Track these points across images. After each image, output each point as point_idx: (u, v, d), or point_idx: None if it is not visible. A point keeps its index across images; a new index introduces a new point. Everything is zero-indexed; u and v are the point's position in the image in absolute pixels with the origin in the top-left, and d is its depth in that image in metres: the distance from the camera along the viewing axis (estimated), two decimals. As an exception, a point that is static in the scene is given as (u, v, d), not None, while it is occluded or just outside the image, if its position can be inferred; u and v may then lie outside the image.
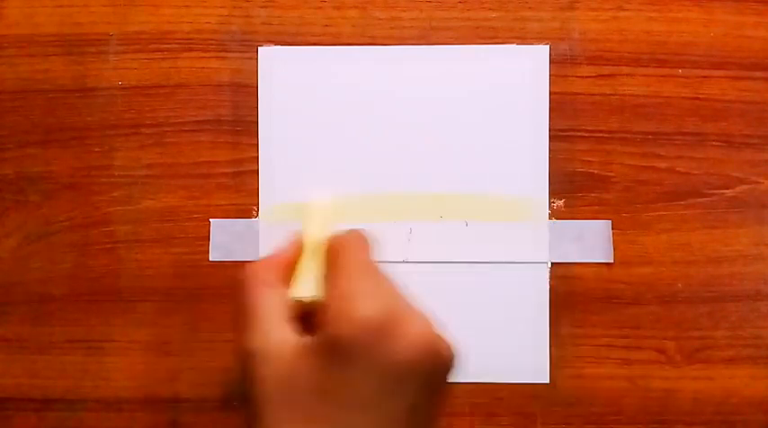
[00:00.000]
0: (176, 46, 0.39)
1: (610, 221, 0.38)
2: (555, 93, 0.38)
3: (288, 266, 0.30)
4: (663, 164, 0.38)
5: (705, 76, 0.38)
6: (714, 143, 0.38)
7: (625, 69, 0.38)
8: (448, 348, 0.27)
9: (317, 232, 0.32)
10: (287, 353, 0.26)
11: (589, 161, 0.38)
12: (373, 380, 0.25)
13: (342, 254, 0.28)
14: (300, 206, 0.38)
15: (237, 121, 0.39)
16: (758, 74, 0.38)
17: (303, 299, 0.29)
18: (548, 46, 0.38)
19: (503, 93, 0.38)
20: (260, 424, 0.26)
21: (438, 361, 0.26)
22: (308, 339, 0.26)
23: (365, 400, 0.25)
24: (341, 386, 0.25)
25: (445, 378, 0.27)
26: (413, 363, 0.25)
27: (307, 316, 0.28)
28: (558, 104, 0.38)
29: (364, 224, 0.38)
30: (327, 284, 0.28)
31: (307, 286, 0.30)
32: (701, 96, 0.38)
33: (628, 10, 0.38)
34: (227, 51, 0.39)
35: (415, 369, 0.25)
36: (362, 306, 0.25)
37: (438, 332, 0.27)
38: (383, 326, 0.25)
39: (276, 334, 0.27)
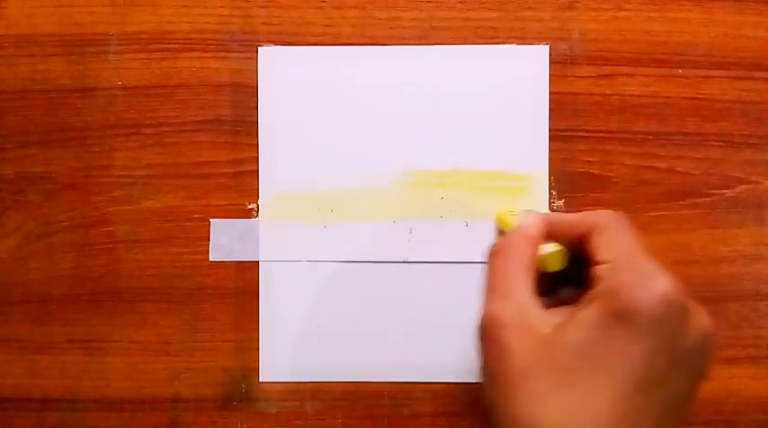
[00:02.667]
0: (176, 46, 0.39)
1: (610, 221, 0.38)
2: (555, 93, 0.38)
3: (536, 244, 0.29)
4: (663, 165, 0.38)
5: (705, 76, 0.38)
6: (714, 143, 0.38)
7: (625, 69, 0.38)
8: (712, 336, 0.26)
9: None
10: (540, 323, 0.26)
11: (589, 161, 0.38)
12: (657, 357, 0.24)
13: (611, 231, 0.27)
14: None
15: (237, 121, 0.39)
16: (758, 74, 0.38)
17: (552, 269, 0.29)
18: (548, 46, 0.38)
19: (503, 93, 0.38)
20: (517, 395, 0.25)
21: (711, 354, 0.26)
22: (583, 308, 0.25)
23: (646, 378, 0.24)
24: (623, 358, 0.24)
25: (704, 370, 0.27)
26: (694, 349, 0.25)
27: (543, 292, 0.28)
28: (558, 104, 0.38)
29: (364, 224, 0.38)
30: (602, 257, 0.27)
31: (556, 259, 0.29)
32: (700, 96, 0.38)
33: (628, 10, 0.38)
34: (227, 51, 0.39)
35: (698, 356, 0.25)
36: (662, 282, 0.25)
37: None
38: (680, 306, 0.25)
39: (531, 307, 0.26)
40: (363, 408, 0.38)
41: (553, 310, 0.27)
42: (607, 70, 0.38)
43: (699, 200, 0.38)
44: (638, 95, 0.38)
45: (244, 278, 0.38)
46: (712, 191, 0.38)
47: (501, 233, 0.32)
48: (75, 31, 0.39)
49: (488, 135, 0.38)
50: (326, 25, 0.39)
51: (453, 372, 0.38)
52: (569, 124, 0.38)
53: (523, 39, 0.38)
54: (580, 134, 0.38)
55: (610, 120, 0.38)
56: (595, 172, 0.38)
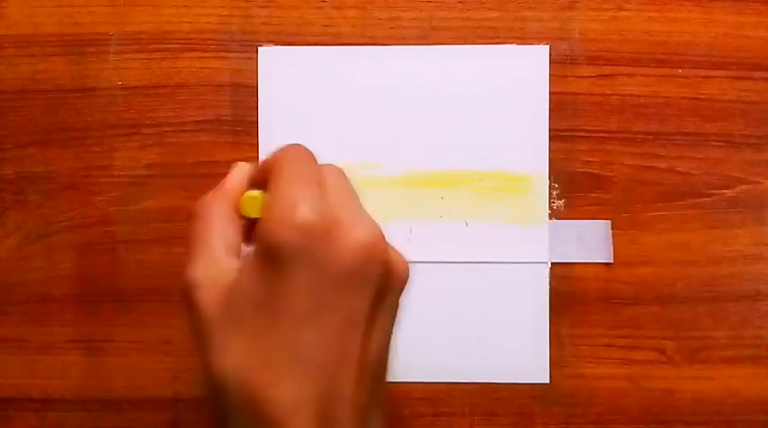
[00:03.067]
0: (176, 46, 0.39)
1: (609, 221, 0.38)
2: (555, 93, 0.38)
3: (234, 195, 0.29)
4: (663, 165, 0.38)
5: (705, 76, 0.38)
6: (714, 143, 0.38)
7: (625, 69, 0.38)
8: (399, 262, 0.26)
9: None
10: (230, 276, 0.25)
11: (589, 161, 0.38)
12: (311, 288, 0.24)
13: (281, 165, 0.27)
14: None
15: (237, 121, 0.39)
16: (758, 74, 0.38)
17: (250, 216, 0.28)
18: (548, 46, 0.38)
19: (503, 93, 0.38)
20: (207, 349, 0.25)
21: (383, 271, 0.25)
22: (247, 252, 0.25)
23: (305, 311, 0.24)
24: (280, 296, 0.24)
25: (394, 293, 0.26)
26: (352, 270, 0.24)
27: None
28: (558, 104, 0.38)
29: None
30: (268, 196, 0.26)
31: (253, 205, 0.28)
32: (700, 96, 0.38)
33: (628, 10, 0.38)
34: (227, 51, 0.39)
35: (355, 276, 0.24)
36: (300, 211, 0.24)
37: (388, 243, 0.25)
38: (323, 231, 0.24)
39: (222, 262, 0.26)
40: (363, 408, 0.38)
41: (246, 254, 0.27)
42: (607, 70, 0.38)
43: (699, 200, 0.38)
44: (638, 95, 0.38)
45: (244, 278, 0.38)
46: (712, 191, 0.38)
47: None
48: (75, 31, 0.39)
49: (488, 135, 0.38)
50: (326, 25, 0.39)
51: (453, 372, 0.38)
52: (569, 124, 0.38)
53: (523, 39, 0.38)
54: (580, 134, 0.38)
55: (610, 120, 0.38)
56: (595, 172, 0.38)
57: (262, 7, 0.39)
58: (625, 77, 0.38)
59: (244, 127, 0.39)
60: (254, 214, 0.28)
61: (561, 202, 0.38)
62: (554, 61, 0.38)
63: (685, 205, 0.38)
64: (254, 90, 0.39)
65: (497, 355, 0.38)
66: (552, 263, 0.38)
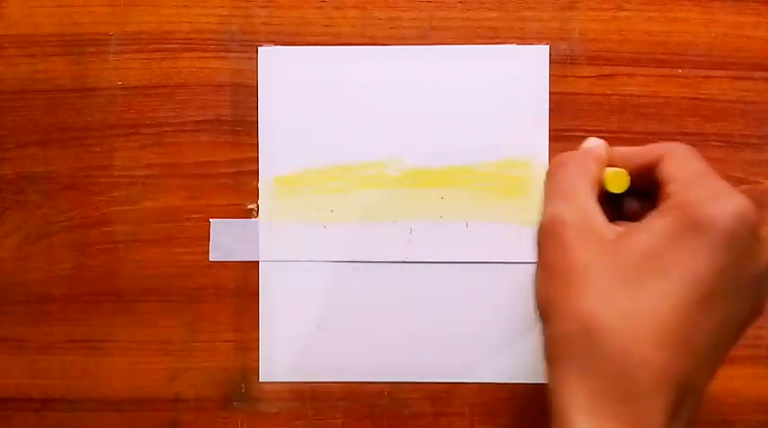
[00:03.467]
0: (176, 46, 0.39)
1: (610, 221, 0.38)
2: (555, 93, 0.38)
3: (601, 162, 0.29)
4: (663, 165, 0.38)
5: (705, 76, 0.38)
6: (714, 143, 0.38)
7: (625, 69, 0.38)
8: None
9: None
10: (608, 231, 0.26)
11: (589, 161, 0.38)
12: (730, 275, 0.24)
13: (681, 155, 0.28)
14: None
15: (237, 121, 0.39)
16: (758, 74, 0.38)
17: (611, 191, 0.29)
18: (548, 46, 0.38)
19: (503, 93, 0.38)
20: (576, 292, 0.25)
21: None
22: (653, 218, 0.26)
23: (711, 291, 0.24)
24: (693, 268, 0.24)
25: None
26: (765, 279, 0.25)
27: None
28: (558, 104, 0.38)
29: (364, 223, 0.38)
30: (674, 177, 0.27)
31: (620, 179, 0.29)
32: (700, 96, 0.38)
33: (628, 10, 0.38)
34: (227, 51, 0.39)
35: (762, 285, 0.25)
36: (738, 199, 0.25)
37: None
38: (755, 227, 0.25)
39: (594, 214, 0.26)
40: (363, 408, 0.38)
41: (618, 223, 0.27)
42: (607, 70, 0.38)
43: (699, 200, 0.38)
44: (638, 95, 0.38)
45: (244, 278, 0.38)
46: (712, 191, 0.38)
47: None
48: (75, 31, 0.39)
49: (488, 135, 0.38)
50: (326, 25, 0.39)
51: (453, 372, 0.38)
52: (569, 124, 0.38)
53: (523, 39, 0.38)
54: (580, 134, 0.38)
55: (610, 120, 0.38)
56: (595, 172, 0.38)
57: (262, 7, 0.39)
58: (625, 77, 0.38)
59: (244, 127, 0.39)
60: (617, 189, 0.29)
61: (561, 202, 0.38)
62: (554, 61, 0.38)
63: (685, 205, 0.38)
64: (254, 90, 0.39)
65: (497, 355, 0.38)
66: (552, 263, 0.38)
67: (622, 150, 0.30)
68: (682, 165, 0.27)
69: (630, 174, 0.29)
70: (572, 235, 0.26)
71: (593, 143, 0.30)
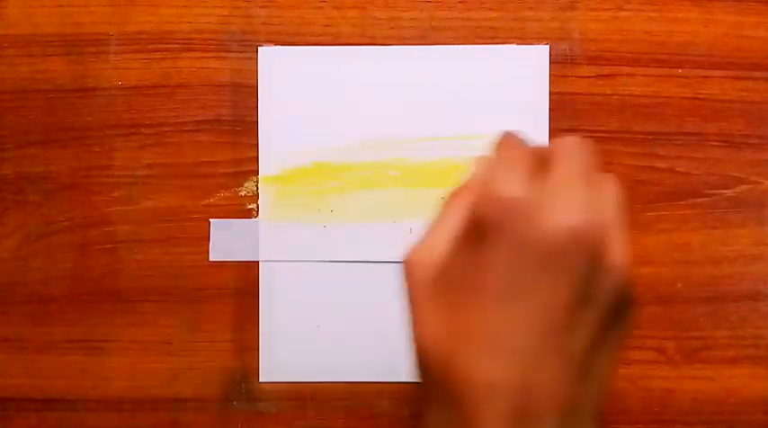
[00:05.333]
0: (176, 46, 0.39)
1: (610, 221, 0.38)
2: (555, 93, 0.38)
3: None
4: (663, 165, 0.38)
5: (705, 76, 0.38)
6: (714, 143, 0.38)
7: (625, 69, 0.38)
8: (620, 266, 0.24)
9: None
10: (443, 256, 0.25)
11: (589, 161, 0.38)
12: (509, 265, 0.23)
13: (493, 149, 0.27)
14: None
15: (237, 121, 0.39)
16: (758, 74, 0.38)
17: None
18: (548, 46, 0.38)
19: (503, 93, 0.38)
20: (412, 323, 0.25)
21: (589, 262, 0.23)
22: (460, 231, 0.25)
23: (502, 289, 0.23)
24: (481, 271, 0.24)
25: (605, 293, 0.24)
26: (552, 252, 0.23)
27: None
28: (558, 104, 0.38)
29: (364, 224, 0.38)
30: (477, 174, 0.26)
31: None
32: (700, 96, 0.38)
33: (628, 10, 0.38)
34: (227, 51, 0.39)
35: (554, 259, 0.23)
36: (504, 186, 0.24)
37: (618, 240, 0.24)
38: (527, 208, 0.23)
39: (444, 245, 0.26)
40: (363, 408, 0.38)
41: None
42: (607, 70, 0.38)
43: (699, 200, 0.38)
44: (638, 95, 0.38)
45: (244, 278, 0.38)
46: (712, 191, 0.38)
47: None
48: (75, 31, 0.39)
49: (488, 135, 0.38)
50: (326, 25, 0.39)
51: (453, 372, 0.38)
52: (569, 124, 0.38)
53: (523, 39, 0.38)
54: (580, 134, 0.38)
55: (610, 120, 0.38)
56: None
57: (262, 7, 0.39)
58: (625, 77, 0.38)
59: (244, 127, 0.39)
60: None
61: (561, 202, 0.38)
62: (554, 61, 0.38)
63: (685, 205, 0.38)
64: (254, 90, 0.39)
65: (497, 355, 0.38)
66: (552, 263, 0.38)
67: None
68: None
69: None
70: (413, 274, 0.26)
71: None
